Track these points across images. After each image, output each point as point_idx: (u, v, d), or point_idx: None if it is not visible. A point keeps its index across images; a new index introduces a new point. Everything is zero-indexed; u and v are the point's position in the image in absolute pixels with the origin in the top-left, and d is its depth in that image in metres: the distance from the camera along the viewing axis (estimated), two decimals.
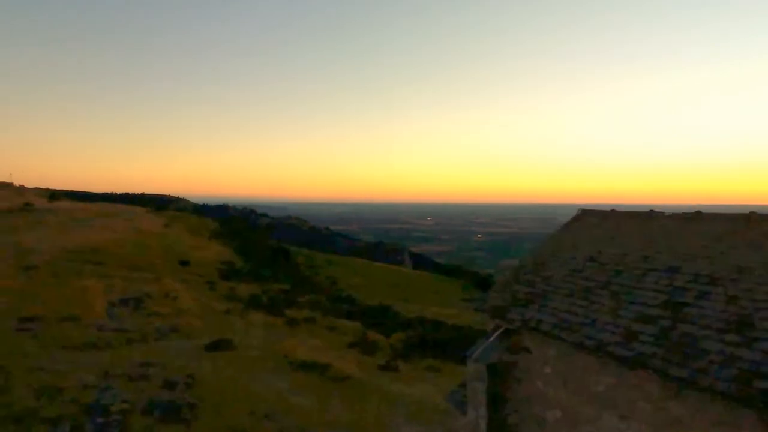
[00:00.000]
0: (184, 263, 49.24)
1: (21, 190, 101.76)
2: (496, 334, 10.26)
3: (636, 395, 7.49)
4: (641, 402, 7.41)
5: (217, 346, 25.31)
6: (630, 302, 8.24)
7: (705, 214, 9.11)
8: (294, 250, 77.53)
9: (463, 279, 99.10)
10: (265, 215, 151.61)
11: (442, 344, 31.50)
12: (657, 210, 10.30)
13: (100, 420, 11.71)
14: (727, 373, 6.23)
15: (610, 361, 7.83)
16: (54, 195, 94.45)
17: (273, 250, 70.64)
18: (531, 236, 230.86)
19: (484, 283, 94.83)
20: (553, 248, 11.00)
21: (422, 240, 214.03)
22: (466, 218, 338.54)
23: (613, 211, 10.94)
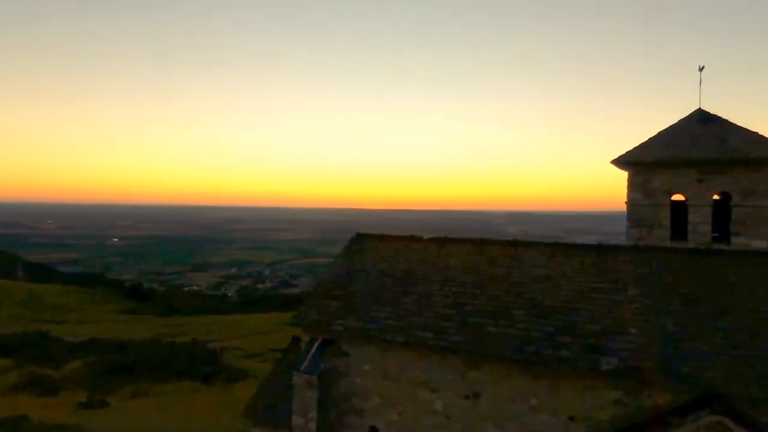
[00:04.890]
0: None
1: None
2: (316, 345, 11.42)
3: (444, 371, 10.28)
4: (449, 375, 10.24)
5: None
6: (429, 305, 11.03)
7: (451, 239, 12.89)
8: None
9: (103, 288, 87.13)
10: None
11: (134, 366, 28.37)
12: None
13: None
14: (507, 345, 9.65)
15: (425, 350, 10.39)
16: None
17: None
18: (174, 239, 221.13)
19: (133, 292, 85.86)
20: (346, 266, 12.90)
21: (42, 246, 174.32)
22: (101, 221, 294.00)
23: (383, 235, 13.71)
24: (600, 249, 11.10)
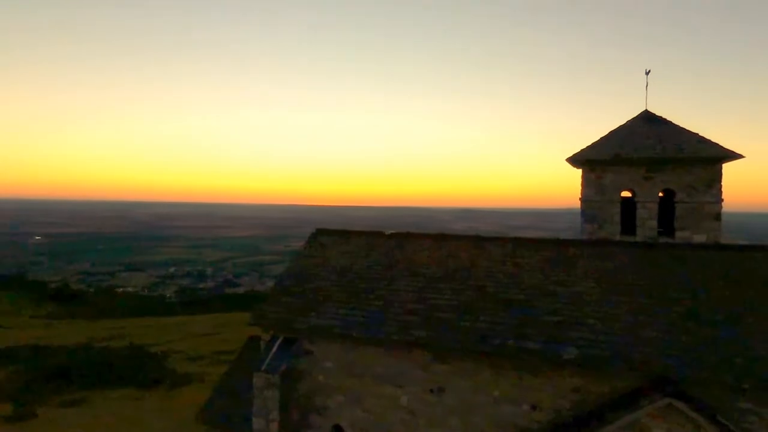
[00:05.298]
0: None
1: None
2: (277, 344, 11.24)
3: (409, 366, 10.42)
4: (414, 370, 10.39)
5: None
6: (393, 301, 11.13)
7: (414, 234, 13.06)
8: None
9: (25, 291, 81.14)
10: None
11: (66, 373, 26.67)
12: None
13: None
14: (473, 338, 9.92)
15: (390, 346, 10.48)
16: None
17: None
18: (104, 237, 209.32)
19: (60, 295, 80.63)
20: (307, 262, 12.77)
21: None
22: (19, 217, 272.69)
23: (345, 230, 13.67)
24: (558, 243, 11.63)
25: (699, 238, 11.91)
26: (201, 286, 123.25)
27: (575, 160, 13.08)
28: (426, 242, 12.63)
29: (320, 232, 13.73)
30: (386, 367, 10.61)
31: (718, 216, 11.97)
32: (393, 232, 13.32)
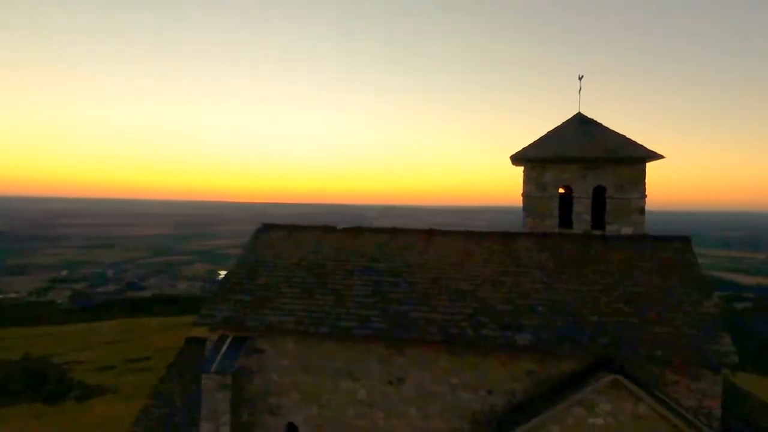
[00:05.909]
0: None
1: None
2: (227, 343, 10.92)
3: (368, 360, 10.61)
4: (372, 363, 10.60)
5: None
6: (348, 295, 11.25)
7: (366, 228, 13.23)
8: None
9: None
10: None
11: None
12: None
13: None
14: (431, 328, 10.33)
15: (347, 340, 10.60)
16: None
17: None
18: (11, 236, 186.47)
19: None
20: (254, 259, 12.49)
21: None
22: None
23: (294, 225, 13.53)
24: (505, 236, 12.39)
25: (626, 230, 13.24)
26: (100, 290, 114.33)
27: (517, 159, 13.97)
28: (379, 236, 12.86)
29: (267, 227, 13.49)
30: (343, 361, 10.72)
31: (642, 210, 13.38)
32: (345, 226, 13.42)
